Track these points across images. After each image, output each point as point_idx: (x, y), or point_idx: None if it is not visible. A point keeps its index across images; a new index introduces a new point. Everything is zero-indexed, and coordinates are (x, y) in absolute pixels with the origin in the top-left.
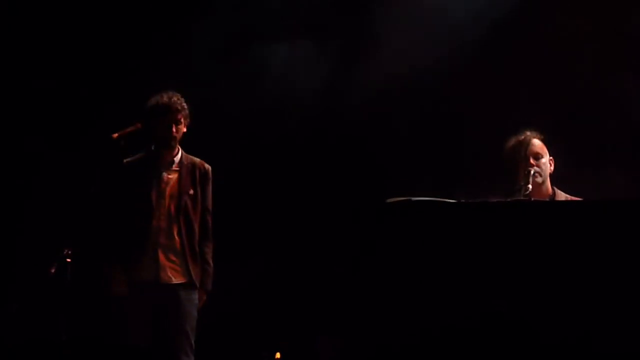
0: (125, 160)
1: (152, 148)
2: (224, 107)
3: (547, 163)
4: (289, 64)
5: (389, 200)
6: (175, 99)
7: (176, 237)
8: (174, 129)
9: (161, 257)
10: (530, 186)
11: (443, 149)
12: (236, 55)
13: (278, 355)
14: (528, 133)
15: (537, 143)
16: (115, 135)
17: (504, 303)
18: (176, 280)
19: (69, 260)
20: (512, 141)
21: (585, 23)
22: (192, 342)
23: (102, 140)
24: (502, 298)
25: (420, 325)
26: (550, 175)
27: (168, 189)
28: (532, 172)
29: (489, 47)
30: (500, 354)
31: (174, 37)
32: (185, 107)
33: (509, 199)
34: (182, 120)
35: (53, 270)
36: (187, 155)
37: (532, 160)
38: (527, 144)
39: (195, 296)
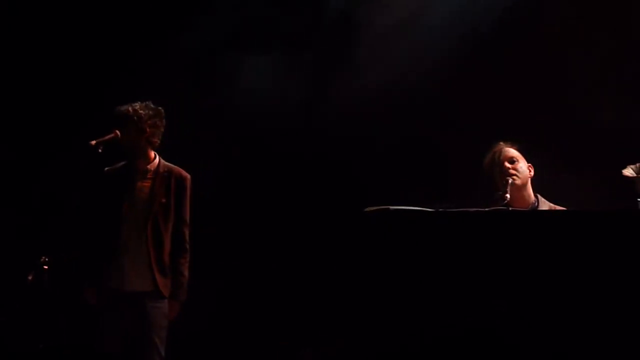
0: (105, 169)
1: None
2: (200, 117)
3: (524, 167)
4: (267, 75)
5: (367, 210)
6: (121, 110)
7: (144, 245)
8: (122, 140)
9: (127, 265)
10: (508, 195)
11: (423, 158)
12: (211, 66)
13: None
14: (502, 143)
15: (510, 149)
16: (93, 142)
17: (481, 312)
18: (141, 288)
19: (46, 267)
20: (488, 154)
21: (571, 26)
22: (162, 351)
23: (81, 148)
24: (479, 307)
25: (398, 335)
26: (532, 182)
27: (139, 197)
28: (510, 181)
29: (467, 58)
30: None
31: (151, 47)
32: (141, 115)
33: (487, 208)
34: (129, 130)
35: (31, 278)
36: (165, 163)
37: (506, 164)
38: (500, 151)
39: (164, 305)
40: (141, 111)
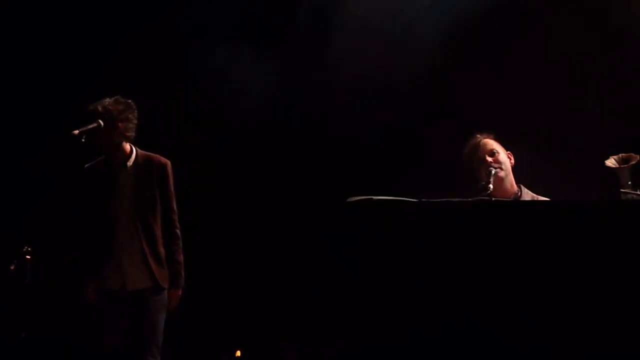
0: (85, 166)
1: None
2: (182, 108)
3: (505, 157)
4: (242, 67)
5: (350, 200)
6: (99, 106)
7: (137, 241)
8: (95, 138)
9: (125, 263)
10: (491, 185)
11: (403, 149)
12: (186, 58)
13: (238, 353)
14: (478, 135)
15: (489, 141)
16: (76, 132)
17: (465, 304)
18: (143, 285)
19: (28, 257)
20: (467, 147)
21: (550, 24)
22: (160, 343)
23: (64, 138)
24: (463, 299)
25: (382, 327)
26: (515, 173)
27: (124, 193)
28: (493, 171)
29: (445, 51)
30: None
31: (127, 38)
32: (112, 111)
33: (470, 199)
34: (102, 124)
35: (13, 268)
36: (143, 153)
37: (488, 158)
38: (478, 144)
39: (163, 297)
40: (111, 107)
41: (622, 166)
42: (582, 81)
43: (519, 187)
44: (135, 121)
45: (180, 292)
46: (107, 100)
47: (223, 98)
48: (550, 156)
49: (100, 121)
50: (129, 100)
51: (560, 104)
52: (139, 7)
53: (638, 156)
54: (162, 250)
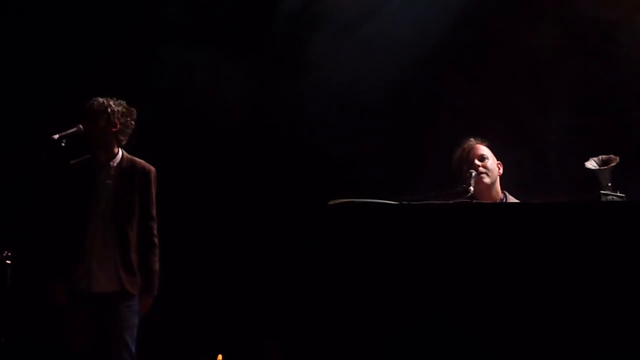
0: (71, 162)
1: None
2: (155, 113)
3: (494, 165)
4: (219, 72)
5: (331, 203)
6: (96, 101)
7: (109, 245)
8: (90, 130)
9: (94, 266)
10: (472, 188)
11: (380, 152)
12: (162, 61)
13: (220, 357)
14: (471, 139)
15: (480, 146)
16: (56, 136)
17: (445, 306)
18: (109, 289)
19: (8, 262)
20: (458, 149)
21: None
22: (132, 348)
23: (44, 142)
24: (444, 300)
25: (362, 329)
26: (501, 179)
27: (104, 195)
28: (473, 173)
29: (421, 56)
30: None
31: (105, 41)
32: (115, 110)
33: (451, 201)
34: (99, 121)
35: None
36: (129, 157)
37: (477, 162)
38: (470, 148)
39: (133, 303)
40: (115, 106)
41: (602, 168)
42: (558, 84)
43: (504, 194)
44: (132, 128)
45: (150, 301)
46: (113, 100)
47: (199, 103)
48: (530, 159)
49: (81, 126)
50: (133, 108)
51: (536, 107)
52: (113, 11)
53: (617, 158)
54: (134, 256)
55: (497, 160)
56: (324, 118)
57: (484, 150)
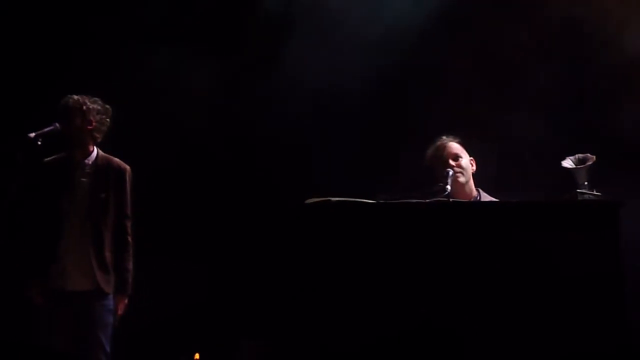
0: (45, 160)
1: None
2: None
3: (467, 163)
4: (195, 73)
5: (308, 201)
6: (71, 98)
7: (84, 243)
8: (66, 127)
9: (69, 264)
10: (449, 187)
11: (356, 152)
12: (138, 62)
13: (197, 356)
14: (444, 138)
15: (454, 145)
16: (32, 134)
17: (422, 304)
18: (83, 287)
19: None
20: (431, 148)
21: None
22: (107, 347)
23: (19, 140)
24: (421, 299)
25: (340, 327)
26: (474, 176)
27: (79, 193)
28: (450, 172)
29: (398, 57)
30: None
31: (81, 40)
32: (91, 107)
33: (428, 200)
34: (75, 119)
35: None
36: (104, 155)
37: (451, 162)
38: (443, 147)
39: (108, 302)
40: (90, 104)
41: (578, 167)
42: (535, 83)
43: (478, 191)
44: (107, 126)
45: (126, 299)
46: (88, 97)
47: (173, 102)
48: (506, 158)
49: (57, 124)
50: (108, 106)
51: (512, 106)
52: (87, 10)
53: (594, 157)
54: (108, 255)
55: (470, 156)
56: (300, 118)
57: (457, 148)
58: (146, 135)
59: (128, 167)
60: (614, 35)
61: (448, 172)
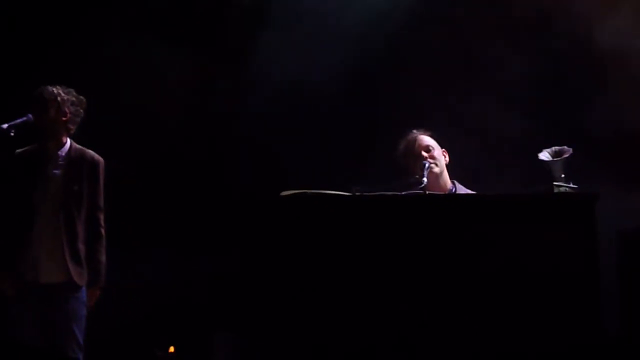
0: (16, 151)
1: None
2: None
3: (440, 154)
4: (169, 67)
5: (283, 194)
6: (45, 89)
7: (57, 236)
8: (40, 119)
9: (42, 256)
10: (425, 179)
11: (328, 146)
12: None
13: (172, 349)
14: (415, 131)
15: (425, 137)
16: (5, 125)
17: (399, 299)
18: (56, 279)
19: None
20: (402, 142)
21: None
22: (80, 340)
23: None
24: (397, 293)
25: (315, 323)
26: (449, 168)
27: (52, 185)
28: (426, 165)
29: (372, 51)
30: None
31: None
32: (65, 98)
33: (404, 192)
34: (50, 110)
35: None
36: (78, 147)
37: (423, 153)
38: (414, 140)
39: (81, 295)
40: (65, 95)
41: (555, 159)
42: (510, 76)
43: (453, 183)
44: (80, 117)
45: (97, 293)
46: (62, 88)
47: (144, 96)
48: (482, 150)
49: (31, 115)
50: (82, 97)
51: (488, 99)
52: (58, 1)
53: (571, 149)
54: (81, 247)
55: (442, 148)
56: (272, 110)
57: (428, 140)
58: (118, 128)
59: (102, 160)
60: (589, 27)
61: (424, 164)
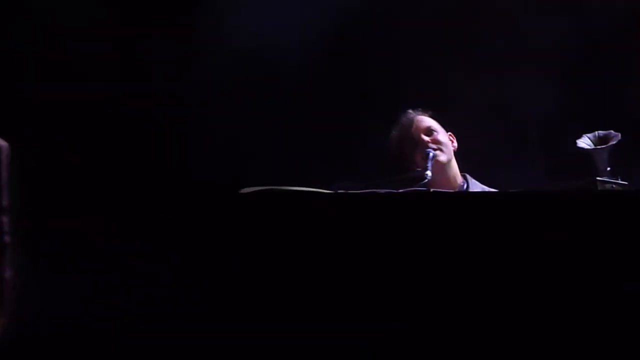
0: None
1: None
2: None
3: (445, 138)
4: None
5: (243, 191)
6: None
7: None
8: None
9: None
10: (429, 172)
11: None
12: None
13: None
14: (410, 112)
15: (424, 118)
16: None
17: (376, 308)
18: None
19: None
20: (396, 129)
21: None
22: None
23: None
24: (381, 309)
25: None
26: (457, 158)
27: None
28: (430, 153)
29: (343, 28)
30: None
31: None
32: None
33: (400, 190)
34: None
35: None
36: None
37: (423, 137)
38: (411, 123)
39: None
40: None
41: (598, 147)
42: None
43: (465, 178)
44: None
45: (5, 320)
46: None
47: (71, 65)
48: (504, 135)
49: None
50: None
51: (510, 70)
52: None
53: (619, 134)
54: None
55: (448, 131)
56: (225, 87)
57: (429, 121)
58: (33, 105)
59: (5, 143)
60: None
61: (428, 153)
